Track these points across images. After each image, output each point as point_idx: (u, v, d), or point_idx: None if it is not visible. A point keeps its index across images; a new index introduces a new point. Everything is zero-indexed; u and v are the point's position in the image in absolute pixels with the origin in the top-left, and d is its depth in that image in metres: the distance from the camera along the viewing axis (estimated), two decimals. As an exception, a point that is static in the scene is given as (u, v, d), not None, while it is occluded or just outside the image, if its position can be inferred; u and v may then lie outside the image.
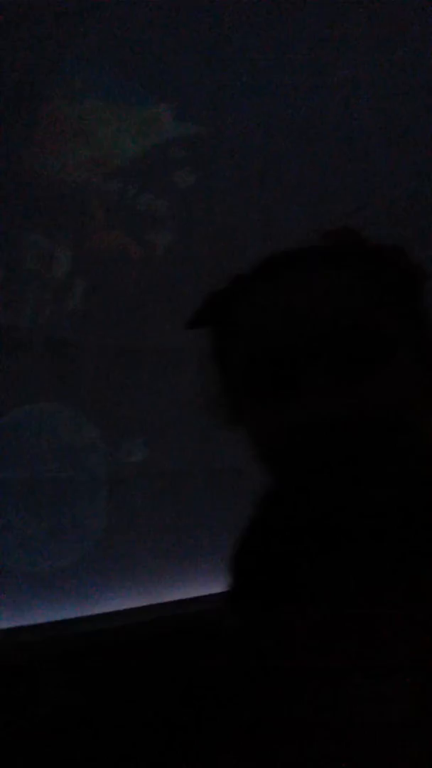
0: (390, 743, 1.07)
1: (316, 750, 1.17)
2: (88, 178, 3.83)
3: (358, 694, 1.18)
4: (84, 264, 3.89)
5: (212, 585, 4.30)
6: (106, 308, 4.09)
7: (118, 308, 4.13)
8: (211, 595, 4.43)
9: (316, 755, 1.16)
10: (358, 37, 4.56)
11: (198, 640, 4.16)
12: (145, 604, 4.36)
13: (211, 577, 4.40)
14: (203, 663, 4.17)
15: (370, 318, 1.25)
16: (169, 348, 4.25)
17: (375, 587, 1.22)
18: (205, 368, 1.55)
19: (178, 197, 4.04)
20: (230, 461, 4.39)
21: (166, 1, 3.88)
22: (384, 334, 1.25)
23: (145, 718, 3.81)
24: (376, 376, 1.22)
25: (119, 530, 4.19)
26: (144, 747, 3.76)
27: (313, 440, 1.22)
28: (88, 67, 3.84)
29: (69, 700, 3.72)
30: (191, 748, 3.43)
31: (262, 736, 1.26)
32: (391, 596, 1.15)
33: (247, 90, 4.38)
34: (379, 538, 1.23)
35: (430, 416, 1.36)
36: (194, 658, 4.03)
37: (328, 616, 1.33)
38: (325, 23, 4.46)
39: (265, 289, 1.38)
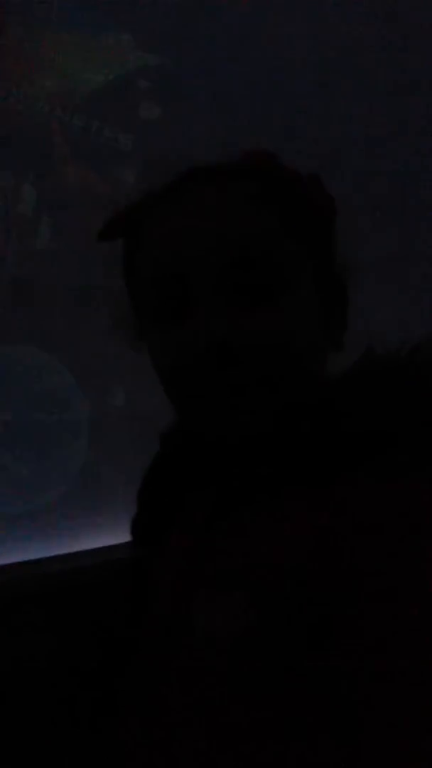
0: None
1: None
2: (51, 110, 3.70)
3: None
4: (50, 201, 3.80)
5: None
6: (72, 247, 4.02)
7: (84, 246, 4.06)
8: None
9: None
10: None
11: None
12: (120, 542, 4.42)
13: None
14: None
15: (269, 243, 1.21)
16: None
17: (252, 513, 1.23)
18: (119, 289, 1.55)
19: (143, 130, 3.93)
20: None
21: None
22: (283, 262, 1.21)
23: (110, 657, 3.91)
24: (268, 304, 1.19)
25: (96, 472, 4.21)
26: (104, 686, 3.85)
27: (202, 366, 1.20)
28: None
29: (42, 641, 3.79)
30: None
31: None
32: (302, 519, 1.16)
33: (213, 18, 4.25)
34: (260, 465, 1.22)
35: (322, 350, 1.32)
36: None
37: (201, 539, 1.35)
38: None
39: (168, 204, 1.36)
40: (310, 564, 1.06)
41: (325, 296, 1.26)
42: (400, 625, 0.92)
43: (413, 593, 0.94)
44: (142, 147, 3.98)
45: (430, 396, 1.18)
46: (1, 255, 3.80)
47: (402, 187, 5.03)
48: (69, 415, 4.11)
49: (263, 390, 1.14)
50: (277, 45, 4.42)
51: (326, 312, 1.26)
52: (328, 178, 1.49)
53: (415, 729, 0.84)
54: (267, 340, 1.13)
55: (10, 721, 2.99)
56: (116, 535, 4.35)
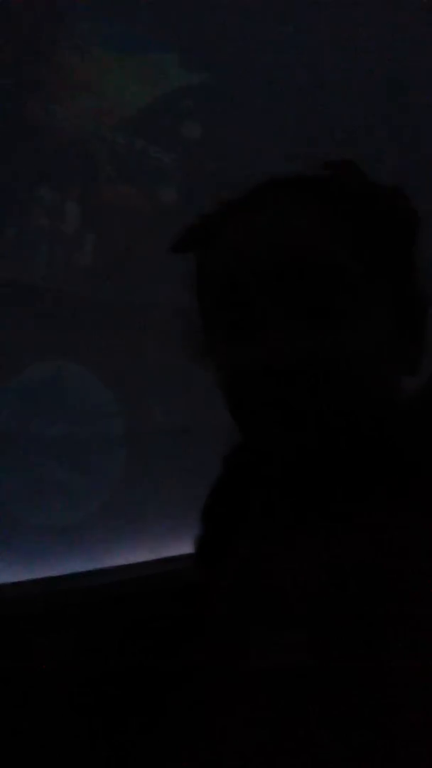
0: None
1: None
2: (95, 129, 3.76)
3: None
4: (93, 218, 3.85)
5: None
6: (114, 263, 4.06)
7: (126, 263, 4.10)
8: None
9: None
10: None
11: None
12: (153, 558, 4.41)
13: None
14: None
15: (341, 260, 1.16)
16: (175, 304, 4.23)
17: (334, 537, 1.19)
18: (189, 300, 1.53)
19: (184, 149, 3.97)
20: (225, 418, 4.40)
21: None
22: (355, 281, 1.16)
23: (149, 672, 3.90)
24: (335, 325, 1.15)
25: (131, 486, 4.22)
26: (148, 700, 3.84)
27: (264, 385, 1.17)
28: (91, 15, 3.74)
29: (72, 654, 3.80)
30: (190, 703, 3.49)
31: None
32: (355, 543, 1.13)
33: (255, 37, 4.28)
34: (339, 487, 1.19)
35: (400, 371, 1.26)
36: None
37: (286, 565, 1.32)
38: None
39: (242, 217, 1.31)
40: (365, 594, 1.04)
41: (403, 318, 1.22)
42: None
43: None
44: (184, 165, 4.02)
45: None
46: (45, 272, 3.86)
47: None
48: (106, 430, 4.14)
49: (323, 412, 1.12)
50: (322, 64, 4.43)
51: (403, 335, 1.22)
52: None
53: None
54: (330, 363, 1.11)
55: (48, 735, 2.99)
56: (154, 550, 4.35)
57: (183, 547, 4.53)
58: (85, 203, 3.90)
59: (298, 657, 1.06)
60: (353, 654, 1.01)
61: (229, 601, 1.42)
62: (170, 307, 4.15)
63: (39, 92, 3.69)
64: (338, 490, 1.14)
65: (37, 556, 3.97)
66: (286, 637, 1.09)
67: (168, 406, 4.45)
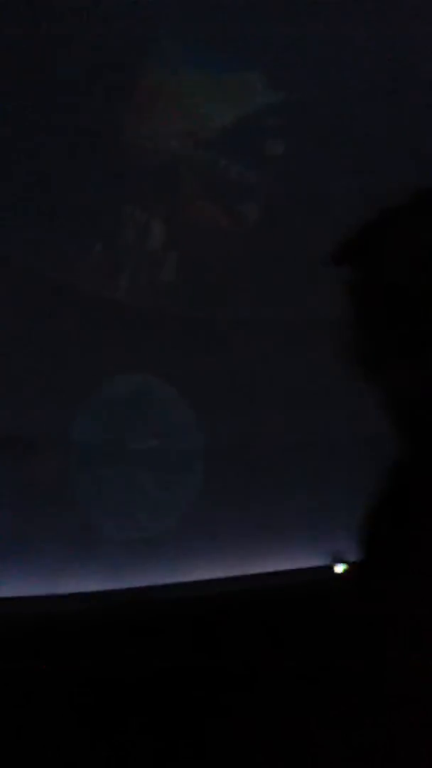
0: None
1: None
2: (181, 149, 3.83)
3: None
4: (177, 236, 3.91)
5: (306, 558, 4.31)
6: (197, 279, 4.11)
7: (208, 279, 4.15)
8: (303, 570, 4.42)
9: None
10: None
11: (296, 612, 4.18)
12: (228, 575, 4.39)
13: (302, 550, 4.40)
14: (284, 635, 4.17)
15: None
16: (256, 320, 4.24)
17: None
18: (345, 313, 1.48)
19: (269, 167, 3.99)
20: (315, 436, 4.37)
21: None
22: None
23: (230, 685, 3.88)
24: None
25: (205, 501, 4.23)
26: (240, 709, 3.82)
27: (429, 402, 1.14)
28: (179, 37, 3.83)
29: (155, 662, 3.82)
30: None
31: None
32: None
33: (339, 56, 4.27)
34: None
35: None
36: (276, 629, 4.06)
37: None
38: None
39: (415, 229, 1.30)
40: None
41: None
42: None
43: None
44: (267, 182, 4.05)
45: None
46: (130, 288, 3.95)
47: None
48: (185, 445, 4.17)
49: None
50: (402, 77, 4.38)
51: None
52: None
53: None
54: None
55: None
56: (232, 566, 4.34)
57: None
58: (170, 221, 3.98)
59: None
60: None
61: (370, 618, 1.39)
62: (259, 322, 4.16)
63: (128, 114, 3.80)
64: None
65: (125, 567, 4.03)
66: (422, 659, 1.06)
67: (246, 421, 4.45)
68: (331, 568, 4.56)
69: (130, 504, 3.86)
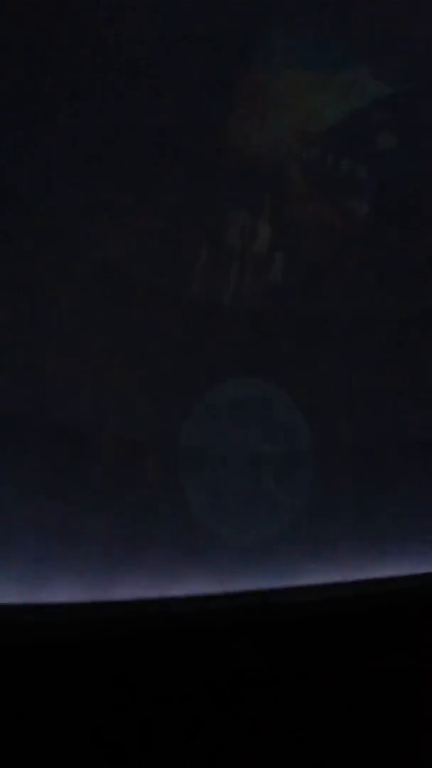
0: None
1: None
2: (289, 148, 3.79)
3: None
4: (284, 235, 3.86)
5: (416, 564, 4.17)
6: (304, 280, 4.05)
7: (316, 280, 4.08)
8: (411, 576, 4.29)
9: None
10: None
11: (403, 619, 4.06)
12: (341, 580, 4.30)
13: (411, 555, 4.27)
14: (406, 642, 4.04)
15: None
16: (366, 319, 4.15)
17: None
18: None
19: (379, 162, 3.89)
20: (422, 434, 4.23)
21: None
22: None
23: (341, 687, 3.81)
24: None
25: (320, 504, 4.16)
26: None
27: None
28: (286, 35, 3.78)
29: (258, 663, 3.79)
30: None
31: None
32: None
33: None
34: None
35: None
36: (403, 636, 3.95)
37: None
38: None
39: None
40: None
41: None
42: None
43: None
44: (378, 176, 3.94)
45: None
46: (238, 291, 3.92)
47: None
48: (297, 448, 4.11)
49: None
50: None
51: None
52: None
53: None
54: None
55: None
56: (340, 572, 4.24)
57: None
58: (278, 221, 3.93)
59: None
60: None
61: None
62: (375, 320, 4.06)
63: (234, 113, 3.78)
64: None
65: (231, 571, 4.01)
66: None
67: (354, 423, 4.35)
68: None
69: (246, 508, 3.83)
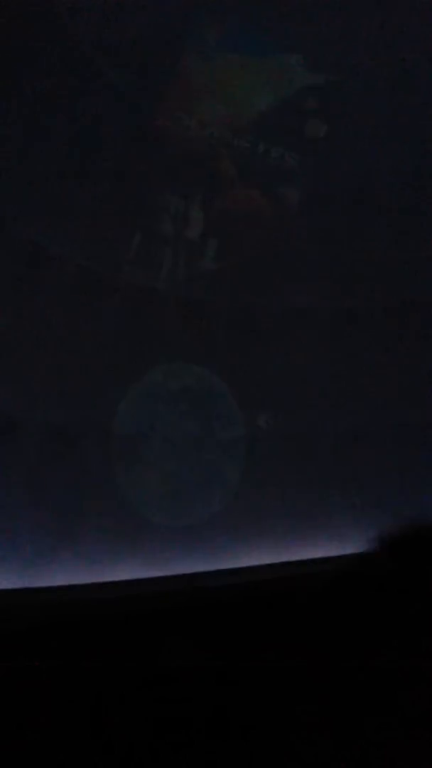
0: None
1: None
2: (221, 135, 3.78)
3: None
4: (216, 223, 3.87)
5: (344, 545, 4.28)
6: (236, 267, 4.07)
7: (248, 266, 4.10)
8: (344, 556, 4.39)
9: None
10: None
11: (328, 598, 4.17)
12: (273, 561, 4.38)
13: (342, 535, 4.38)
14: (329, 619, 4.16)
15: None
16: (298, 307, 4.19)
17: None
18: None
19: (309, 149, 3.92)
20: (355, 425, 4.32)
21: None
22: None
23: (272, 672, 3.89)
24: None
25: (250, 489, 4.22)
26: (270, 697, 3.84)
27: None
28: (217, 22, 3.76)
29: (193, 650, 3.84)
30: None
31: None
32: None
33: (379, 37, 4.15)
34: None
35: None
36: (320, 614, 4.05)
37: None
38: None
39: None
40: None
41: None
42: None
43: None
44: (308, 165, 3.97)
45: None
46: (171, 277, 3.93)
47: None
48: (227, 435, 4.15)
49: None
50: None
51: None
52: None
53: None
54: None
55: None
56: (276, 554, 4.33)
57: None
58: (209, 208, 3.93)
59: None
60: None
61: None
62: (302, 311, 4.10)
63: (164, 100, 3.75)
64: None
65: (163, 555, 4.05)
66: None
67: (284, 412, 4.41)
68: (375, 553, 4.54)
69: (174, 493, 3.87)
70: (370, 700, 2.97)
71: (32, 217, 3.82)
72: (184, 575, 4.12)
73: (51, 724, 3.16)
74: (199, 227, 3.93)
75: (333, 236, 4.03)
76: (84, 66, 3.64)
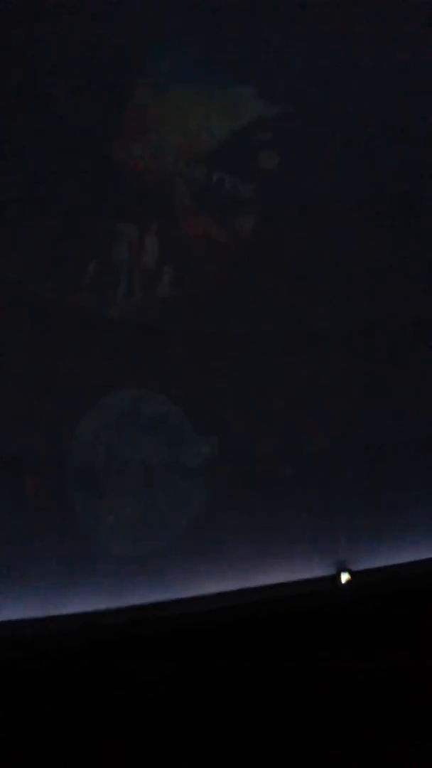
0: None
1: None
2: (174, 165, 3.83)
3: None
4: (171, 251, 3.91)
5: (311, 569, 4.29)
6: (192, 294, 4.11)
7: (204, 294, 4.14)
8: (308, 580, 4.40)
9: None
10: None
11: (293, 625, 4.15)
12: (233, 588, 4.36)
13: (306, 560, 4.38)
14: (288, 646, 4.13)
15: None
16: (254, 333, 4.24)
17: None
18: None
19: (262, 180, 3.99)
20: (317, 446, 4.35)
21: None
22: None
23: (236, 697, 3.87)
24: None
25: (208, 515, 4.21)
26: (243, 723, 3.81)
27: None
28: (172, 54, 3.83)
29: (159, 678, 3.80)
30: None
31: None
32: None
33: (331, 69, 4.27)
34: None
35: None
36: (286, 641, 4.04)
37: None
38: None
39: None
40: None
41: None
42: None
43: None
44: (261, 195, 4.04)
45: None
46: (127, 303, 3.94)
47: None
48: (185, 460, 4.15)
49: None
50: (401, 90, 4.36)
51: None
52: None
53: None
54: None
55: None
56: (227, 581, 4.30)
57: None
58: (164, 236, 3.97)
59: None
60: None
61: None
62: (258, 335, 4.14)
63: (119, 130, 3.80)
64: None
65: (124, 585, 4.00)
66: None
67: (243, 435, 4.43)
68: (335, 578, 4.56)
69: (128, 521, 3.84)
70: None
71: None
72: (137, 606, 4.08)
73: None
74: (153, 254, 3.97)
75: (285, 261, 4.11)
76: (38, 96, 3.67)
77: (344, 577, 4.47)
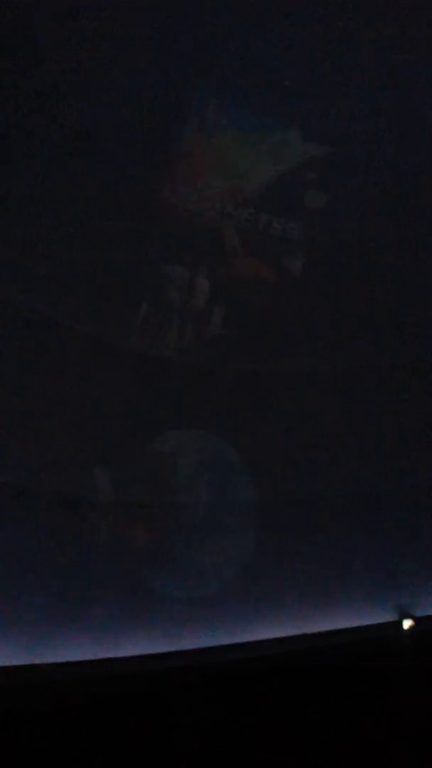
0: None
1: None
2: (223, 207, 3.92)
3: None
4: (221, 291, 3.97)
5: (372, 614, 4.16)
6: (242, 334, 4.14)
7: (253, 333, 4.17)
8: (369, 626, 4.27)
9: None
10: None
11: (351, 671, 4.02)
12: (293, 633, 4.26)
13: (367, 606, 4.26)
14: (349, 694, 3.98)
15: None
16: (305, 371, 4.23)
17: None
18: None
19: (309, 220, 4.04)
20: (364, 485, 4.27)
21: (288, 27, 3.93)
22: None
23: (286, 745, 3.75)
24: None
25: (267, 559, 4.15)
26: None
27: None
28: (218, 100, 3.96)
29: (209, 726, 3.72)
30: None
31: None
32: None
33: (373, 108, 4.32)
34: None
35: None
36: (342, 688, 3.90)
37: None
38: None
39: None
40: None
41: None
42: None
43: None
44: (308, 234, 4.08)
45: None
46: (179, 344, 4.00)
47: None
48: (240, 502, 4.11)
49: None
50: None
51: None
52: None
53: None
54: None
55: None
56: (286, 627, 4.20)
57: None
58: (214, 278, 4.04)
59: None
60: None
61: None
62: (308, 374, 4.12)
63: (168, 175, 3.92)
64: None
65: (179, 629, 3.96)
66: None
67: (297, 475, 4.38)
68: (397, 623, 4.40)
69: (184, 563, 3.82)
70: None
71: (40, 287, 3.95)
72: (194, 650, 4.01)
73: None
74: (203, 295, 4.03)
75: (334, 301, 4.11)
76: (86, 141, 3.83)
77: (407, 624, 4.32)
